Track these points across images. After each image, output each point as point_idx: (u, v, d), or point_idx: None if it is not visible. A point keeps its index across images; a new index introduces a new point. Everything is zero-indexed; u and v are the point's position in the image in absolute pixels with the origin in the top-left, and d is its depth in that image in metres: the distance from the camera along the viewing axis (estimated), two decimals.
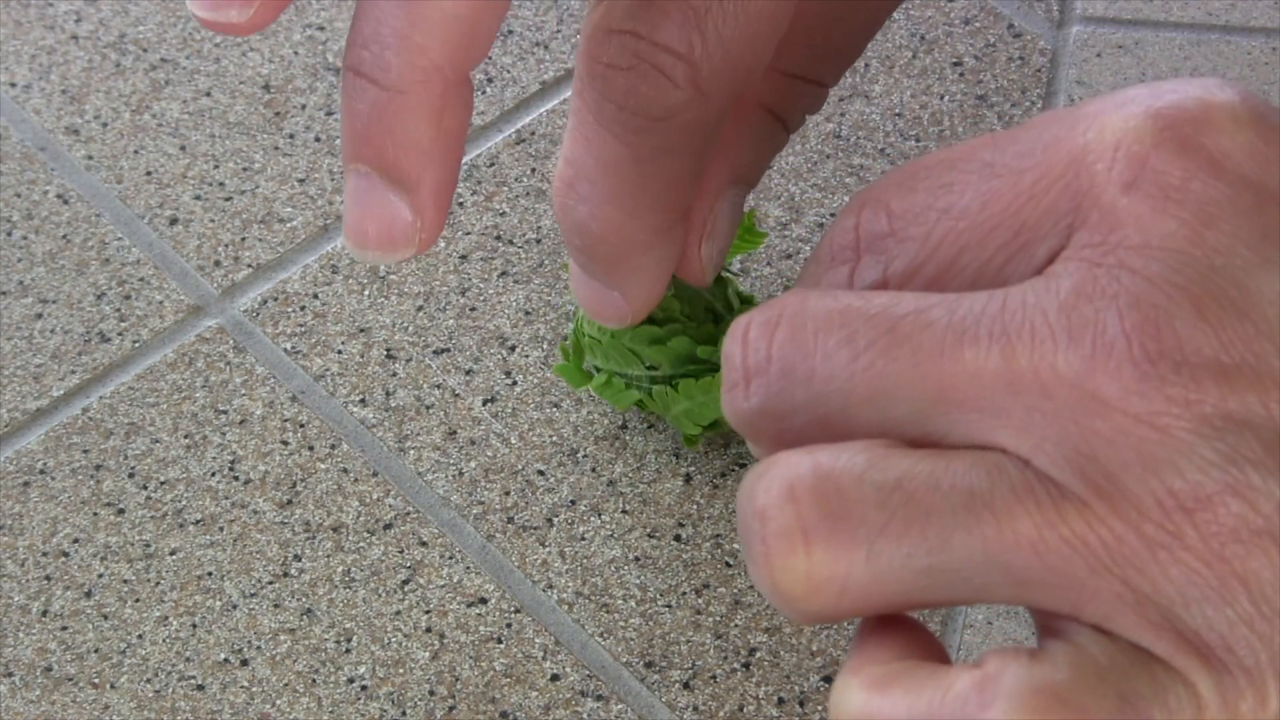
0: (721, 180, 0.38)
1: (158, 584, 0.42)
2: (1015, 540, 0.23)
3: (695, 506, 0.42)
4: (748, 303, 0.42)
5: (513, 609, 0.41)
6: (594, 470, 0.43)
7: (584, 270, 0.33)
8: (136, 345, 0.46)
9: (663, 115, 0.30)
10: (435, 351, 0.45)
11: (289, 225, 0.48)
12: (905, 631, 0.26)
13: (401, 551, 0.42)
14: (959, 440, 0.24)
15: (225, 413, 0.45)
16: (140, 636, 0.41)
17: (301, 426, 0.44)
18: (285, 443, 0.44)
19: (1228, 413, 0.22)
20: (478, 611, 0.41)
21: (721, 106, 0.31)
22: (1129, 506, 0.23)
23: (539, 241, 0.47)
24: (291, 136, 0.50)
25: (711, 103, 0.30)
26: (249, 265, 0.47)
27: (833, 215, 0.47)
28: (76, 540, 0.43)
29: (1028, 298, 0.24)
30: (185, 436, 0.44)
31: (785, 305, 0.26)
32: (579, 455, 0.43)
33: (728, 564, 0.41)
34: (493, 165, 0.49)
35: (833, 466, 0.24)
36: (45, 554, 0.42)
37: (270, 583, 0.42)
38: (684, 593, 0.41)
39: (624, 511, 0.42)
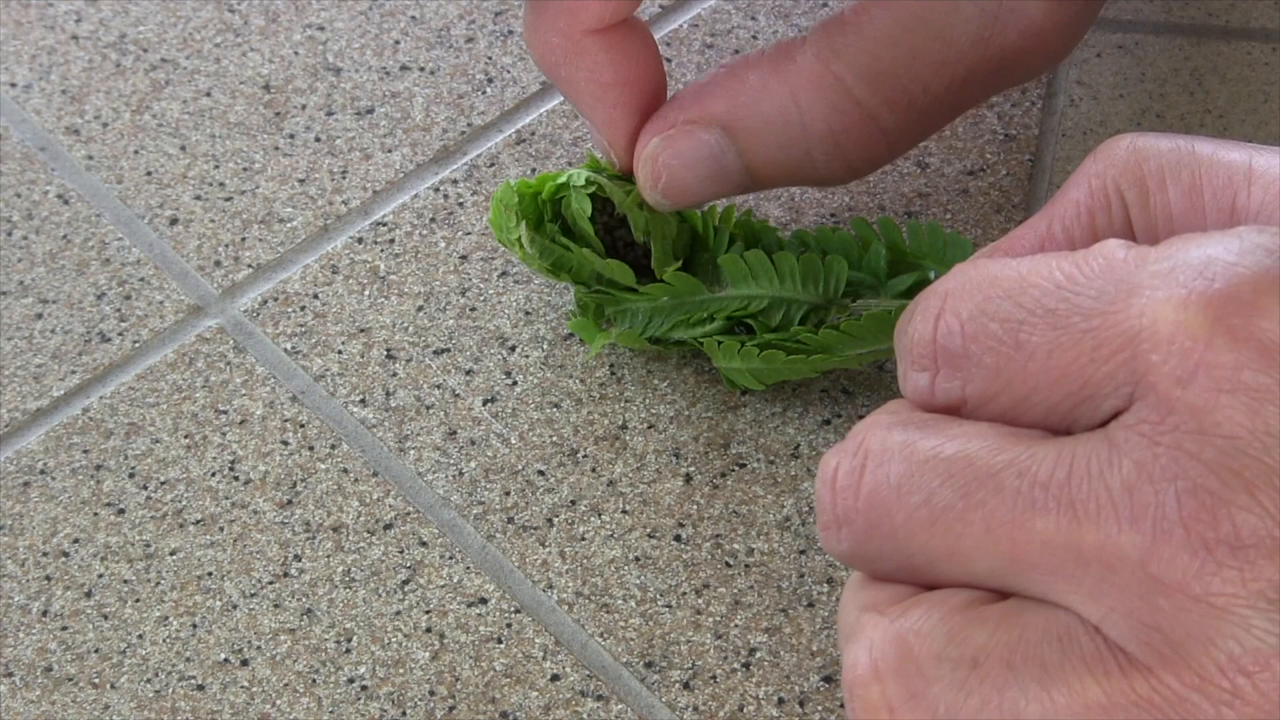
0: (710, 111, 0.40)
1: (158, 584, 0.42)
2: (1085, 705, 0.26)
3: (695, 506, 0.42)
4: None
5: (513, 609, 0.41)
6: (594, 470, 0.43)
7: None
8: (136, 345, 0.46)
9: None
10: (435, 351, 0.45)
11: (289, 225, 0.48)
12: None
13: (401, 551, 0.42)
14: (1035, 595, 0.26)
15: (225, 413, 0.45)
16: (140, 636, 0.41)
17: (301, 426, 0.44)
18: (285, 443, 0.44)
19: None
20: (478, 611, 0.41)
21: None
22: (1193, 673, 0.25)
23: None
24: (291, 136, 0.50)
25: None
26: (249, 265, 0.47)
27: (833, 215, 0.47)
28: (77, 540, 0.43)
29: (1092, 467, 0.26)
30: (185, 436, 0.44)
31: (869, 447, 0.28)
32: (579, 455, 0.43)
33: (728, 564, 0.41)
34: (493, 165, 0.49)
35: (914, 644, 0.27)
36: (45, 554, 0.42)
37: (270, 583, 0.42)
38: (684, 593, 0.41)
39: (624, 511, 0.42)
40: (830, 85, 0.40)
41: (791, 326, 0.42)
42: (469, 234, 0.47)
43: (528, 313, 0.46)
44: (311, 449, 0.44)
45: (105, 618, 0.41)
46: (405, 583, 0.42)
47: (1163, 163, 0.30)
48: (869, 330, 0.41)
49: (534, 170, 0.48)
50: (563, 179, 0.42)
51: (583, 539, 0.42)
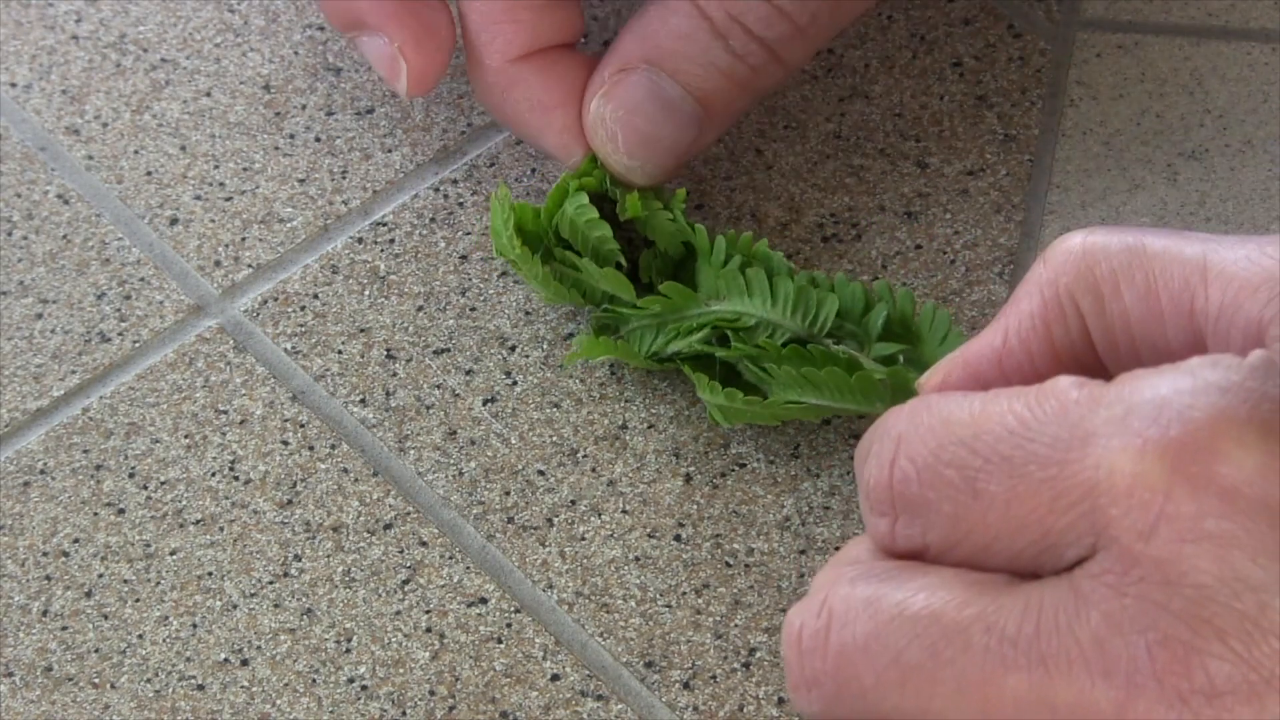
0: (629, 54, 0.40)
1: (158, 584, 0.42)
2: None
3: (695, 506, 0.42)
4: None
5: (513, 609, 0.41)
6: (594, 470, 0.43)
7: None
8: (136, 345, 0.46)
9: None
10: (435, 351, 0.45)
11: (289, 225, 0.48)
12: None
13: (401, 551, 0.42)
14: None
15: (225, 413, 0.45)
16: (140, 636, 0.41)
17: (301, 426, 0.44)
18: (285, 443, 0.44)
19: None
20: (478, 611, 0.41)
21: None
22: None
23: None
24: (291, 136, 0.50)
25: None
26: (249, 265, 0.47)
27: (833, 215, 0.47)
28: (77, 540, 0.43)
29: (1060, 620, 0.26)
30: (185, 436, 0.44)
31: (833, 606, 0.28)
32: (579, 455, 0.43)
33: (728, 564, 0.41)
34: (493, 165, 0.49)
35: None
36: (45, 554, 0.42)
37: (270, 583, 0.42)
38: (684, 593, 0.41)
39: (624, 511, 0.42)
40: None
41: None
42: (469, 234, 0.47)
43: (528, 313, 0.46)
44: (311, 449, 0.44)
45: (105, 618, 0.41)
46: (405, 583, 0.42)
47: (1114, 265, 0.29)
48: (826, 383, 0.40)
49: (533, 170, 0.48)
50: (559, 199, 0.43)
51: (583, 539, 0.42)
